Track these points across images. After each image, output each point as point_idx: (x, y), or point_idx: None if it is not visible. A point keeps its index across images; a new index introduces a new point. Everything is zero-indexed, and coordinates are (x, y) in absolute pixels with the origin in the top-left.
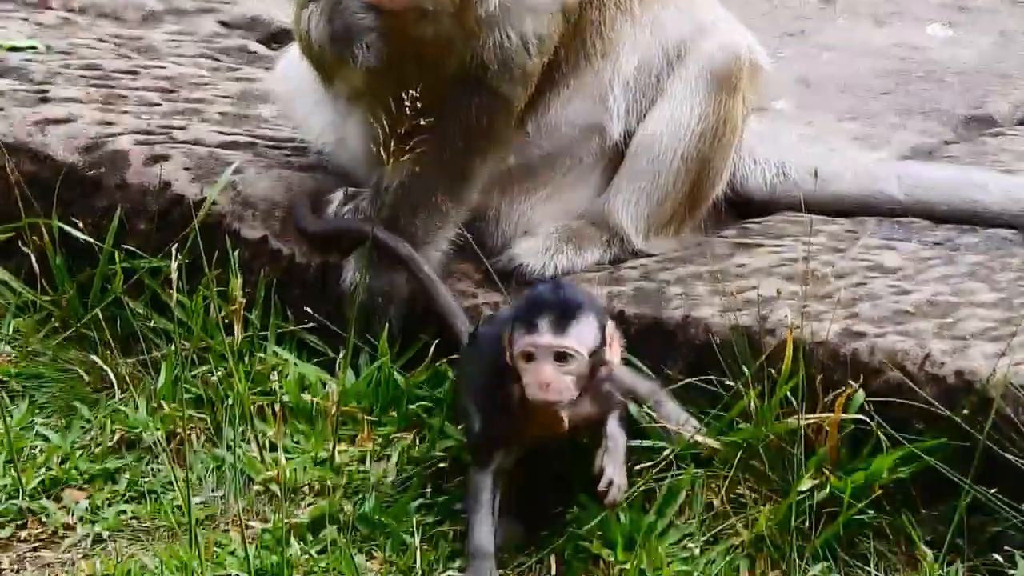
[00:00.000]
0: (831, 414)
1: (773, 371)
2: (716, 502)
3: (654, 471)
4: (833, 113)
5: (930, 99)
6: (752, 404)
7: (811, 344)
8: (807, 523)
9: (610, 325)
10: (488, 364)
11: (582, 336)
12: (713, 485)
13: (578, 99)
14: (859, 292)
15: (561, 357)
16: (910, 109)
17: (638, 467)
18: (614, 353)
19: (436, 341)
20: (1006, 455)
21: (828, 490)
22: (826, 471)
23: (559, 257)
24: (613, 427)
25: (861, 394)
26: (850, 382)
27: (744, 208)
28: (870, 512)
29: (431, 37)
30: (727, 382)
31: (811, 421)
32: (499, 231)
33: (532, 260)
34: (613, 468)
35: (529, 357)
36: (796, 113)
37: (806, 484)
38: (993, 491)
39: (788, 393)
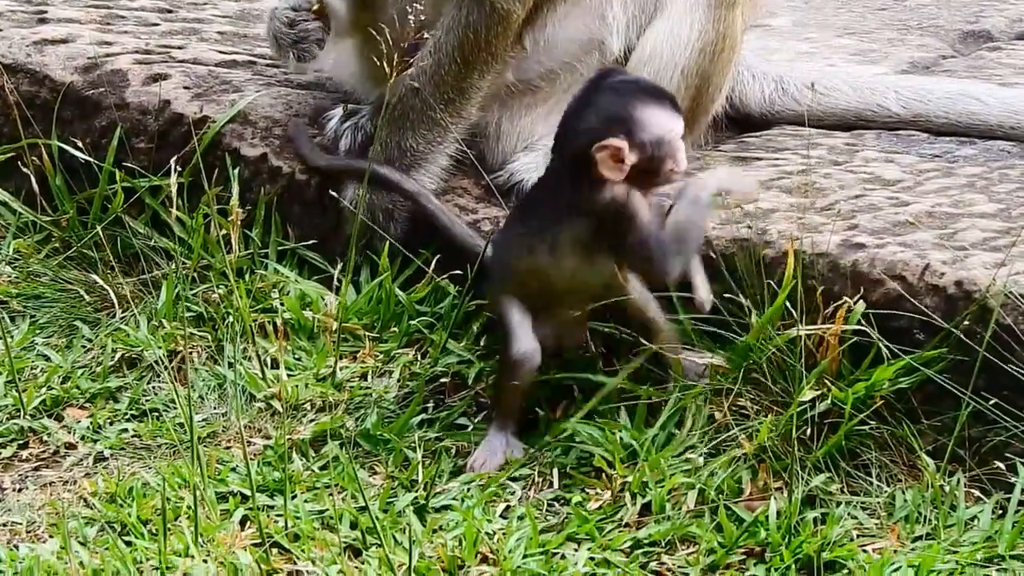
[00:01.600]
0: (831, 325)
1: (772, 283)
2: (718, 414)
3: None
4: (831, 29)
5: (927, 15)
6: (753, 316)
7: (811, 256)
8: (809, 434)
9: None
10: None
11: None
12: (715, 397)
13: (577, 14)
14: (858, 204)
15: None
16: (907, 25)
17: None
18: None
19: (437, 257)
20: (1006, 365)
21: (829, 401)
22: (827, 382)
23: None
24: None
25: (861, 305)
26: (850, 294)
27: (744, 123)
28: (871, 423)
29: None
30: (726, 295)
31: (812, 332)
32: (499, 147)
33: (532, 175)
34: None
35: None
36: (794, 30)
37: (808, 395)
38: (993, 401)
39: (789, 305)
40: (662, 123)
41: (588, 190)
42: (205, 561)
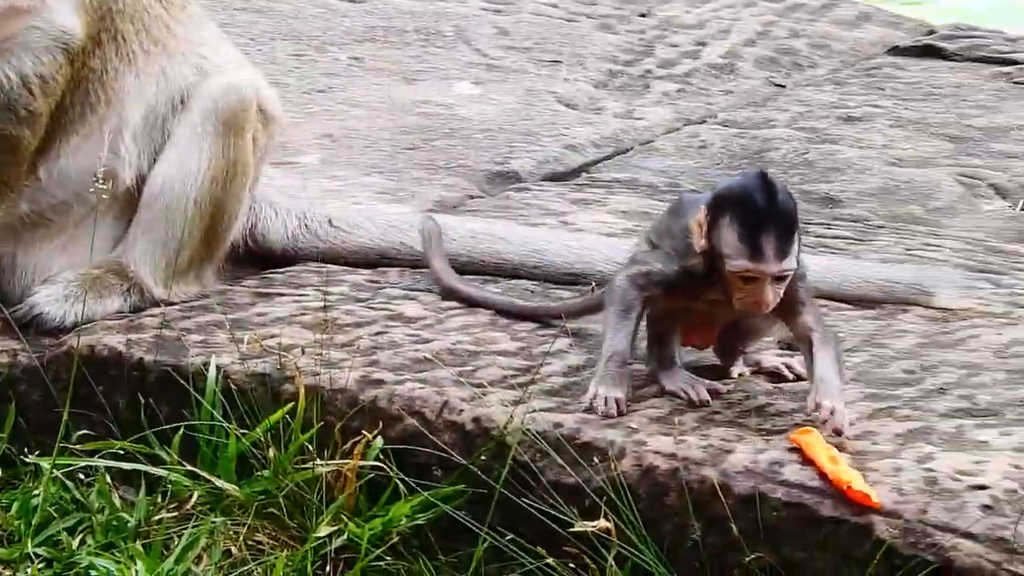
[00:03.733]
0: (349, 461)
1: (290, 419)
2: (235, 549)
3: (173, 520)
4: (359, 168)
5: (456, 155)
6: (271, 451)
7: (330, 391)
8: (327, 570)
9: None
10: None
11: (796, 250)
12: (233, 533)
13: (88, 147)
14: (379, 340)
15: (780, 279)
16: (436, 164)
17: (156, 517)
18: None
19: None
20: (522, 501)
21: (346, 537)
22: (344, 517)
23: (79, 305)
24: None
25: (380, 441)
26: (369, 430)
27: (268, 260)
28: (388, 558)
29: None
30: (241, 432)
31: (330, 468)
32: (16, 279)
33: (52, 308)
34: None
35: (748, 279)
36: (322, 167)
37: (324, 530)
38: (509, 537)
39: (308, 441)
40: None
41: None
42: None
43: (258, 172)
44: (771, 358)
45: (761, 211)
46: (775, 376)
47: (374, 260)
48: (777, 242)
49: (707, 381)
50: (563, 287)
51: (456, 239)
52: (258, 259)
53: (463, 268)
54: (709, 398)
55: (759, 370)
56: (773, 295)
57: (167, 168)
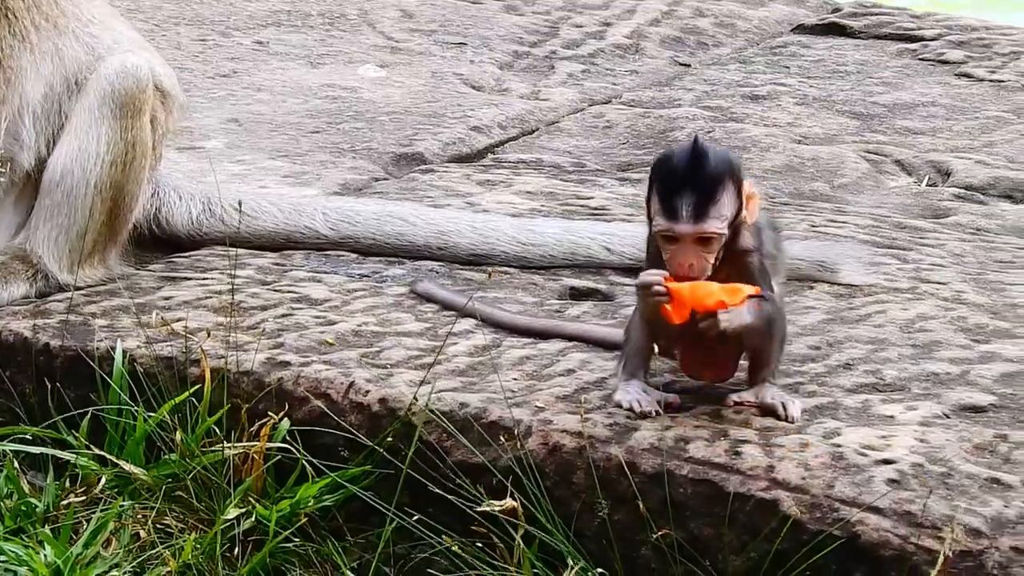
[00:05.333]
0: (256, 443)
1: (197, 402)
2: (143, 533)
3: (82, 504)
4: (264, 152)
5: (361, 138)
6: (178, 434)
7: (236, 374)
8: (235, 551)
9: (747, 183)
10: None
11: (722, 213)
12: (141, 516)
13: None
14: (285, 323)
15: (703, 242)
16: (341, 148)
17: (65, 502)
18: (751, 212)
19: None
20: (429, 483)
21: (254, 519)
22: (252, 500)
23: None
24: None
25: (286, 423)
26: (275, 412)
27: (173, 245)
28: (296, 540)
29: None
30: (150, 415)
31: (237, 451)
32: None
33: None
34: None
35: (669, 239)
36: (228, 152)
37: (232, 513)
38: (416, 518)
39: (215, 424)
40: None
41: None
42: None
43: (159, 152)
44: (775, 392)
45: (680, 172)
46: (770, 413)
47: (280, 244)
48: (694, 202)
49: (661, 394)
50: (469, 268)
51: (360, 222)
52: (163, 244)
53: (367, 250)
54: (655, 409)
55: (758, 404)
56: (696, 258)
57: (66, 153)
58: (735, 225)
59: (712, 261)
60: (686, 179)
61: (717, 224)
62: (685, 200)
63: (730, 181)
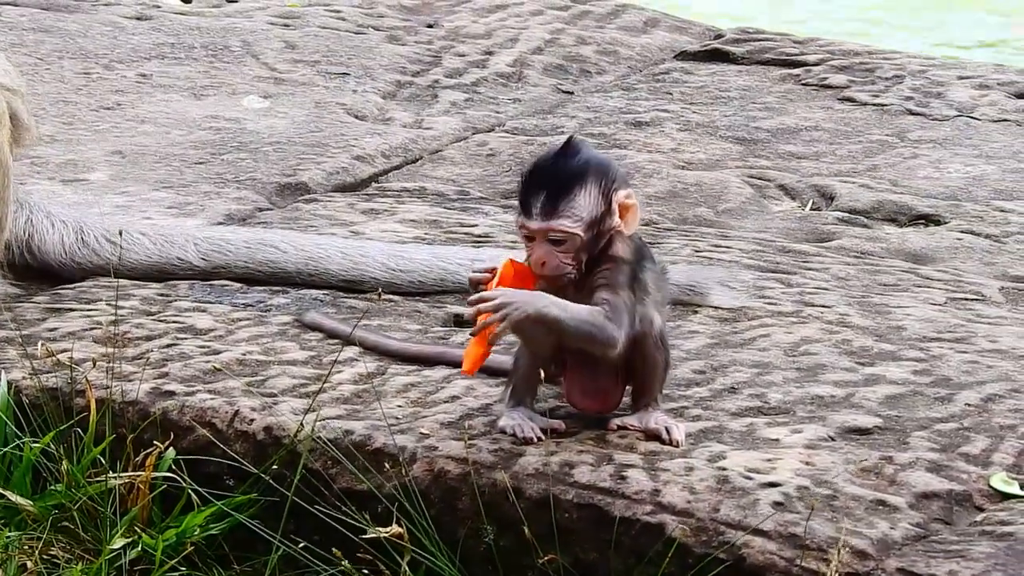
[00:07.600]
0: (142, 473)
1: (81, 431)
2: (30, 563)
3: None
4: (148, 183)
5: (245, 168)
6: (64, 464)
7: (121, 404)
8: None
9: (622, 192)
10: None
11: (577, 213)
12: (27, 547)
13: None
14: (170, 353)
15: (557, 242)
16: (225, 178)
17: None
18: (628, 223)
19: None
20: (314, 509)
21: (140, 548)
22: (138, 529)
23: None
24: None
25: (172, 452)
26: (161, 441)
27: (47, 274)
28: (183, 569)
29: None
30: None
31: (123, 480)
32: None
33: None
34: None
35: (527, 237)
36: (112, 184)
37: (118, 542)
38: (303, 545)
39: (101, 454)
40: None
41: None
42: None
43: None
44: (659, 417)
45: (538, 169)
46: (654, 437)
47: (154, 275)
48: (547, 199)
49: (546, 420)
50: (353, 296)
51: (231, 251)
52: (36, 274)
53: (240, 278)
54: (538, 435)
55: (642, 428)
56: (549, 256)
57: None
58: (604, 232)
59: (570, 263)
60: (543, 175)
61: (568, 223)
62: (539, 196)
63: (593, 182)
